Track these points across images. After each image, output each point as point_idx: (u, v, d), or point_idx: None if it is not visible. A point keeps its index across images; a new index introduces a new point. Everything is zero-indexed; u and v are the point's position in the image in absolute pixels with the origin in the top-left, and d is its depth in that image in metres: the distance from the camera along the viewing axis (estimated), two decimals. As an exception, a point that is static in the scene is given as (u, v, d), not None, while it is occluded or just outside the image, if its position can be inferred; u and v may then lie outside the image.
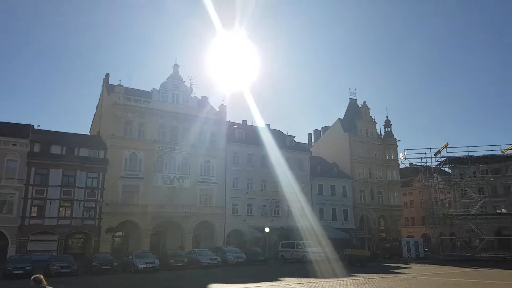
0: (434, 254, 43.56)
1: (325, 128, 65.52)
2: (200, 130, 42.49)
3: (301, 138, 66.98)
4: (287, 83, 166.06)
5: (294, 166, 48.70)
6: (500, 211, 46.49)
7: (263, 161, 47.88)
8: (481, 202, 46.98)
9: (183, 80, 44.09)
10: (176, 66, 43.71)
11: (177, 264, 28.09)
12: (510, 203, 45.84)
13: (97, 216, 35.70)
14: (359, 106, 61.82)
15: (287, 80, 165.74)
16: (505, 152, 40.87)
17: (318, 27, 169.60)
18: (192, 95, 44.73)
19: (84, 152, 36.96)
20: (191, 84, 45.76)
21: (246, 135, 48.15)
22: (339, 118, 61.88)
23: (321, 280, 20.15)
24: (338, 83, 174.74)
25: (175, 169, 40.53)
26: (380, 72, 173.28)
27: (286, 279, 20.77)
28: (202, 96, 49.40)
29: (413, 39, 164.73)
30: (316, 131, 67.74)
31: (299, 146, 53.94)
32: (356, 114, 60.58)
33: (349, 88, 73.15)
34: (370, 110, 61.04)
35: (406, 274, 23.62)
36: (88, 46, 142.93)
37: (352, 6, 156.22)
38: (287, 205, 47.93)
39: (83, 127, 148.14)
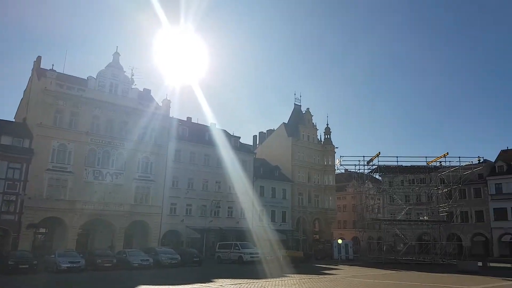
0: (362, 256, 45.79)
1: (270, 131, 66.54)
2: (140, 124, 40.43)
3: (247, 140, 67.39)
4: (235, 84, 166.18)
5: (238, 167, 48.66)
6: (422, 218, 50.13)
7: (206, 160, 47.26)
8: (406, 209, 50.45)
9: (124, 70, 41.58)
10: (116, 54, 41.26)
11: (104, 265, 26.53)
12: (432, 211, 49.57)
13: (17, 211, 32.68)
14: (303, 112, 63.58)
15: (236, 81, 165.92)
16: (430, 164, 44.13)
17: (267, 30, 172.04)
18: (133, 87, 42.20)
19: (6, 140, 33.74)
20: (132, 75, 42.85)
21: (190, 132, 47.11)
22: (283, 122, 63.15)
23: (254, 280, 20.16)
24: (286, 88, 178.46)
25: (109, 164, 38.25)
26: (324, 80, 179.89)
27: (220, 280, 20.49)
28: (144, 89, 47.16)
29: (355, 52, 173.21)
30: (261, 133, 68.55)
31: (244, 147, 54.06)
32: (299, 120, 62.24)
33: (294, 94, 75.00)
34: (312, 117, 63.11)
35: (335, 275, 24.47)
36: (20, 24, 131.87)
37: (302, 10, 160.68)
38: (228, 206, 47.75)
39: (7, 113, 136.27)
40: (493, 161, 56.87)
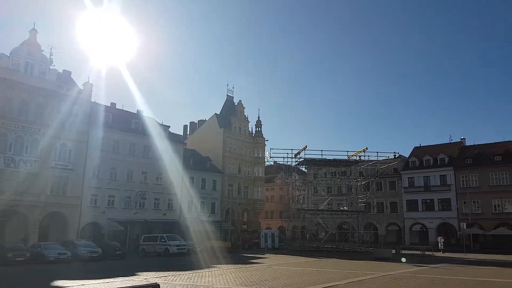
0: (287, 245, 47.57)
1: (201, 122, 65.75)
2: (58, 108, 37.21)
3: (177, 129, 65.84)
4: (166, 70, 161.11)
5: (167, 157, 47.33)
6: (342, 208, 53.48)
7: (132, 149, 45.26)
8: (328, 199, 53.45)
9: (42, 49, 37.92)
10: (33, 31, 37.44)
11: (16, 259, 24.46)
12: (351, 202, 53.07)
13: None
14: (235, 104, 63.77)
15: (167, 68, 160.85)
16: (351, 158, 47.03)
17: (201, 19, 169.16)
18: (52, 67, 38.67)
19: None
20: (51, 55, 39.03)
21: (114, 119, 44.51)
22: (215, 113, 62.77)
23: (181, 272, 19.89)
24: (218, 78, 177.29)
25: (23, 151, 34.77)
26: (257, 74, 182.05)
27: (144, 273, 19.88)
28: (63, 70, 43.52)
29: (287, 49, 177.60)
30: (192, 123, 67.41)
31: (173, 137, 52.67)
32: (231, 111, 62.36)
33: (227, 85, 75.02)
34: (244, 109, 63.61)
35: (262, 264, 25.10)
36: None
37: (238, 2, 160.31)
38: (154, 198, 46.36)
39: None
40: (407, 156, 62.27)
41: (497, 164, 51.55)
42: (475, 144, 58.99)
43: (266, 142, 64.12)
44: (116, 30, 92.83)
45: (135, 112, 50.36)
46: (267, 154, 52.78)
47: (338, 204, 59.79)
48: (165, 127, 51.45)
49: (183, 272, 19.94)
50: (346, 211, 50.66)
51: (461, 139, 61.49)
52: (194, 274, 19.24)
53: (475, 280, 16.64)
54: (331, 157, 47.17)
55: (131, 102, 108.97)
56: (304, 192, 55.88)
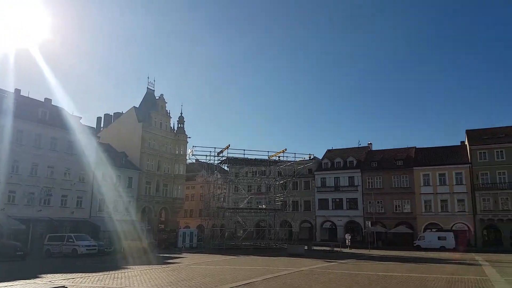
0: (206, 244, 47.40)
1: (117, 114, 62.32)
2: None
3: (89, 121, 61.54)
4: (80, 58, 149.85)
5: (77, 150, 44.02)
6: (261, 207, 54.96)
7: (38, 141, 41.34)
8: (248, 198, 54.54)
9: None
10: None
11: None
12: (269, 200, 54.79)
13: None
14: (156, 98, 61.64)
15: (81, 55, 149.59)
16: (271, 158, 48.54)
17: (123, 7, 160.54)
18: None
19: None
20: None
21: (17, 107, 40.13)
22: (134, 106, 60.00)
23: (90, 274, 18.66)
24: (138, 70, 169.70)
25: None
26: (182, 69, 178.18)
27: (49, 275, 18.25)
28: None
29: (212, 46, 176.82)
30: (107, 115, 63.58)
31: (85, 129, 49.10)
32: (152, 105, 60.13)
33: (148, 78, 72.07)
34: (166, 104, 61.78)
35: (178, 264, 24.65)
36: None
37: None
38: (62, 195, 42.85)
39: None
40: (321, 158, 66.02)
41: (399, 168, 57.16)
42: (381, 149, 64.74)
43: (188, 140, 63.12)
44: (28, 12, 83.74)
45: (43, 100, 46.02)
46: (189, 151, 52.08)
47: (257, 202, 61.27)
48: (77, 118, 47.83)
49: (93, 274, 18.75)
50: (265, 209, 52.15)
51: (368, 144, 67.06)
52: (106, 275, 18.20)
53: (378, 275, 18.26)
54: (253, 157, 48.15)
55: (46, 90, 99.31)
56: (225, 191, 56.21)
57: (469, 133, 56.16)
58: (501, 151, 50.74)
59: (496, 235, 50.87)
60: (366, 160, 61.47)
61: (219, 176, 55.13)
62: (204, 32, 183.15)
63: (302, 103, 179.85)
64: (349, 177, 60.49)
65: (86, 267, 22.56)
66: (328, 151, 68.46)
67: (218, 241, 46.22)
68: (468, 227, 51.11)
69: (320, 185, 62.23)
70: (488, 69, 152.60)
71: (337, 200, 60.53)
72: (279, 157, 48.95)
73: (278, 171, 53.18)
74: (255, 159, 48.59)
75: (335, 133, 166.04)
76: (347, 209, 59.55)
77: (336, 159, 62.97)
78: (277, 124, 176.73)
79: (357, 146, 67.17)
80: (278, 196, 51.62)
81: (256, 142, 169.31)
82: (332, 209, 60.60)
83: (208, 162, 48.18)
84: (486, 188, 50.32)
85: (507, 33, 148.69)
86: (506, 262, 27.33)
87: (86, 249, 31.76)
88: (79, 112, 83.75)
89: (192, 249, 42.27)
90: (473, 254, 36.64)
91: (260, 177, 57.14)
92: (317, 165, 63.83)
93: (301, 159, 50.28)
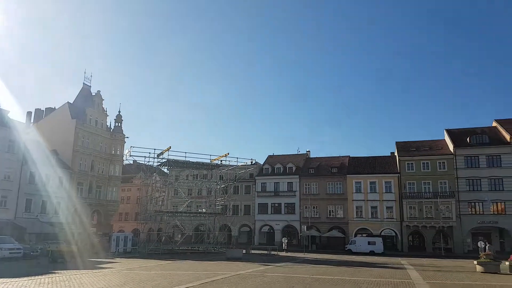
0: (141, 249, 45.83)
1: (49, 110, 58.33)
2: None
3: (18, 116, 56.84)
4: (6, 47, 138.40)
5: (3, 146, 40.43)
6: (201, 210, 54.44)
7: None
8: (188, 201, 53.75)
9: None
10: None
11: None
12: (210, 204, 54.45)
13: None
14: (93, 94, 58.69)
15: (7, 45, 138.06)
16: (213, 161, 48.35)
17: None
18: None
19: None
20: None
21: None
22: (68, 102, 56.59)
23: (14, 280, 17.21)
24: (74, 63, 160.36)
25: None
26: (121, 65, 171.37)
27: (-39, 283, 16.52)
28: None
29: (155, 46, 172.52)
30: (38, 110, 59.17)
31: (12, 124, 45.26)
32: (87, 102, 57.14)
33: (85, 72, 68.15)
34: (103, 101, 59.01)
35: (110, 269, 23.59)
36: None
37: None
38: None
39: None
40: (262, 163, 67.10)
41: (334, 175, 59.85)
42: (318, 156, 67.42)
43: (126, 140, 60.77)
44: None
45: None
46: (126, 152, 50.05)
47: (197, 206, 60.61)
48: (4, 112, 44.08)
49: (17, 279, 17.32)
50: (205, 213, 51.73)
51: (307, 151, 69.53)
52: (31, 281, 16.91)
53: (312, 278, 18.96)
54: (195, 160, 47.62)
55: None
56: (164, 194, 54.83)
57: (399, 145, 60.45)
58: (427, 163, 55.19)
59: (420, 240, 55.14)
60: (304, 166, 63.60)
61: (158, 178, 53.74)
62: (150, 30, 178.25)
63: (246, 108, 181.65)
64: (288, 182, 62.13)
65: (9, 271, 20.77)
66: (269, 156, 69.83)
67: (154, 245, 44.91)
68: (396, 233, 54.79)
69: (260, 190, 63.16)
70: (418, 85, 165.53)
71: (276, 204, 61.84)
72: (221, 161, 48.90)
73: (220, 175, 53.11)
74: (197, 162, 48.07)
75: (276, 140, 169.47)
76: (285, 213, 61.04)
77: (276, 165, 64.39)
78: (220, 129, 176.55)
79: (296, 153, 69.30)
80: (218, 200, 51.49)
81: (198, 146, 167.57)
82: (271, 213, 61.76)
83: (147, 163, 46.73)
84: (412, 196, 54.37)
85: (436, 46, 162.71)
86: (428, 266, 29.69)
87: (10, 253, 29.51)
88: (8, 105, 77.02)
89: (126, 254, 40.62)
90: (399, 258, 39.31)
91: (201, 181, 56.61)
92: (258, 170, 64.76)
93: (243, 163, 50.71)
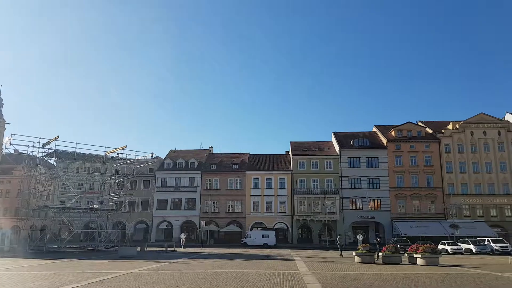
0: (21, 247, 41.21)
1: None
2: None
3: None
4: None
5: None
6: (92, 206, 50.91)
7: None
8: (78, 196, 49.84)
9: None
10: None
11: None
12: (102, 199, 51.25)
13: None
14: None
15: None
16: (108, 154, 45.65)
17: None
18: None
19: None
20: None
21: None
22: None
23: None
24: None
25: None
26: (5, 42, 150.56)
27: None
28: None
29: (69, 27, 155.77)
30: None
31: None
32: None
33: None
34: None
35: (-19, 273, 20.86)
36: None
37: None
38: None
39: None
40: (163, 158, 65.54)
41: (234, 171, 61.41)
42: (220, 153, 68.38)
43: (6, 126, 53.89)
44: None
45: None
46: (6, 139, 44.36)
47: (88, 201, 56.56)
48: None
49: None
50: (96, 209, 48.51)
51: (210, 147, 70.04)
52: None
53: (207, 272, 19.35)
54: (87, 152, 44.32)
55: None
56: (49, 188, 49.91)
57: (293, 144, 64.68)
58: (316, 162, 60.01)
59: (308, 233, 59.74)
60: (206, 162, 63.95)
61: (43, 170, 48.76)
62: (56, 5, 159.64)
63: (146, 100, 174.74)
64: (189, 178, 61.80)
65: None
66: (172, 151, 68.52)
67: (37, 244, 40.75)
68: (287, 226, 58.50)
69: (160, 185, 61.65)
70: (317, 90, 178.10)
71: (177, 200, 61.08)
72: (117, 153, 46.39)
73: (116, 169, 50.30)
74: (89, 154, 44.83)
75: (179, 135, 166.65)
76: (185, 209, 60.64)
77: (178, 160, 63.53)
78: (118, 120, 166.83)
79: (199, 148, 69.28)
80: (113, 195, 48.76)
81: (92, 137, 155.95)
82: (171, 209, 60.79)
83: (31, 153, 42.01)
84: (302, 192, 58.62)
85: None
86: (314, 257, 32.42)
87: None
88: None
89: (3, 253, 36.16)
90: (289, 250, 42.12)
91: (93, 174, 52.87)
92: (159, 165, 63.10)
93: (143, 157, 48.87)
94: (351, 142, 61.01)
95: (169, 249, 39.49)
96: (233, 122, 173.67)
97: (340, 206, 57.49)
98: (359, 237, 46.19)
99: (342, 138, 63.25)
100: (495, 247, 41.11)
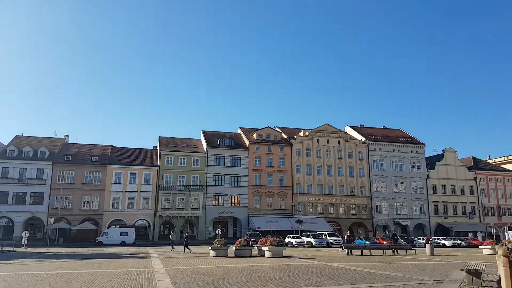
0: None
1: None
2: None
3: None
4: None
5: None
6: None
7: None
8: None
9: None
10: None
11: None
12: None
13: None
14: None
15: None
16: None
17: None
18: None
19: None
20: None
21: None
22: None
23: None
24: None
25: None
26: None
27: None
28: None
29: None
30: None
31: None
32: None
33: None
34: None
35: None
36: None
37: None
38: None
39: None
40: (6, 144, 57.07)
41: (93, 164, 57.31)
42: (78, 143, 62.85)
43: None
44: None
45: None
46: None
47: None
48: None
49: None
50: None
51: (65, 136, 63.82)
52: None
53: (48, 274, 17.84)
54: None
55: None
56: None
57: (161, 139, 63.78)
58: (184, 158, 60.43)
59: (170, 230, 59.55)
60: (60, 152, 58.03)
61: None
62: None
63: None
64: (38, 169, 55.25)
65: None
66: (17, 137, 60.09)
67: None
68: (149, 223, 57.33)
69: (0, 176, 53.44)
70: (187, 88, 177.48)
71: (20, 193, 53.98)
72: None
73: None
74: None
75: (26, 118, 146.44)
76: (30, 204, 53.99)
77: (25, 147, 56.08)
78: None
79: (52, 136, 62.39)
80: None
81: None
82: (12, 203, 53.34)
83: None
84: (168, 188, 58.27)
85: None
86: (171, 253, 32.61)
87: None
88: None
89: None
90: (148, 248, 41.39)
91: None
92: (1, 152, 54.70)
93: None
94: (218, 141, 63.24)
95: (6, 248, 34.75)
96: (95, 109, 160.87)
97: (203, 202, 58.98)
98: (218, 231, 48.35)
99: (210, 136, 65.05)
100: (331, 240, 47.90)
